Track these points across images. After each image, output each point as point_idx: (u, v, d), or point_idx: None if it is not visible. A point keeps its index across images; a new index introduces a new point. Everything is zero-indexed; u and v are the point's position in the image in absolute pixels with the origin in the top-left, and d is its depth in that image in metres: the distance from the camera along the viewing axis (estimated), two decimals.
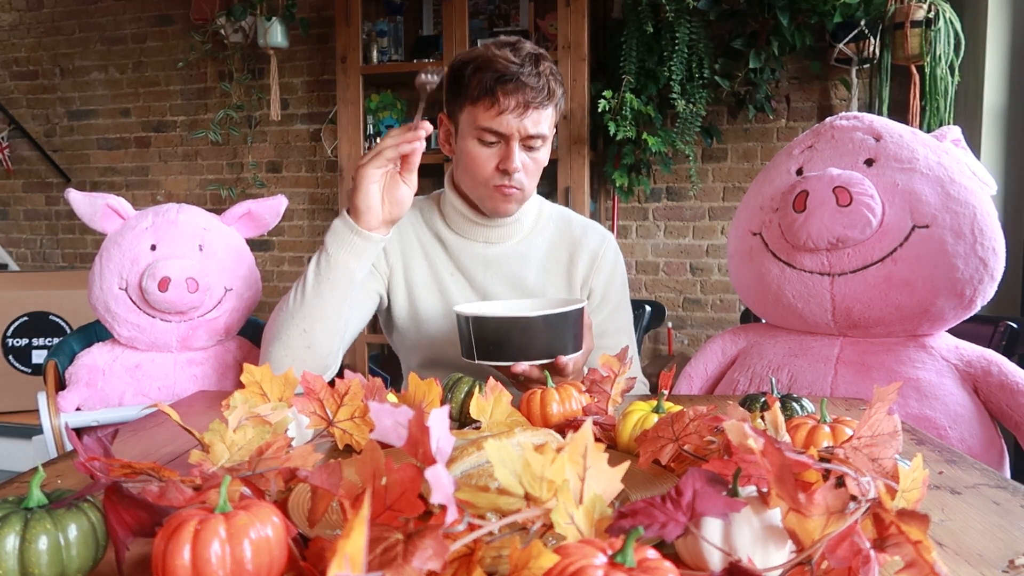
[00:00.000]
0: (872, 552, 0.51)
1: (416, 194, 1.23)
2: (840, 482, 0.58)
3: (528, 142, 1.26)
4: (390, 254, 1.38)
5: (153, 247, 1.62)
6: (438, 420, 0.52)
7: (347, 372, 0.93)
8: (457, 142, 1.32)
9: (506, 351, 1.08)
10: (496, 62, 1.21)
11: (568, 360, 1.12)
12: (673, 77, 2.76)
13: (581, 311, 1.13)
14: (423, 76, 1.17)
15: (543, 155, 1.30)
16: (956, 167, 1.29)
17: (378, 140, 1.18)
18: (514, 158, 1.25)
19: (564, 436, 0.78)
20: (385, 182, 1.18)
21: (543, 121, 1.25)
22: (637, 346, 1.61)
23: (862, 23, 2.65)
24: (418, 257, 1.39)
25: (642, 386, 1.44)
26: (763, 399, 0.95)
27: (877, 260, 1.27)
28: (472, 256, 1.38)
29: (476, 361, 1.10)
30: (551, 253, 1.41)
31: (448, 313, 1.36)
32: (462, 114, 1.28)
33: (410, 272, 1.38)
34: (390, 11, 3.29)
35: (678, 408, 0.85)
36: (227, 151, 3.72)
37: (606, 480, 0.57)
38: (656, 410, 0.88)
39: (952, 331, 1.36)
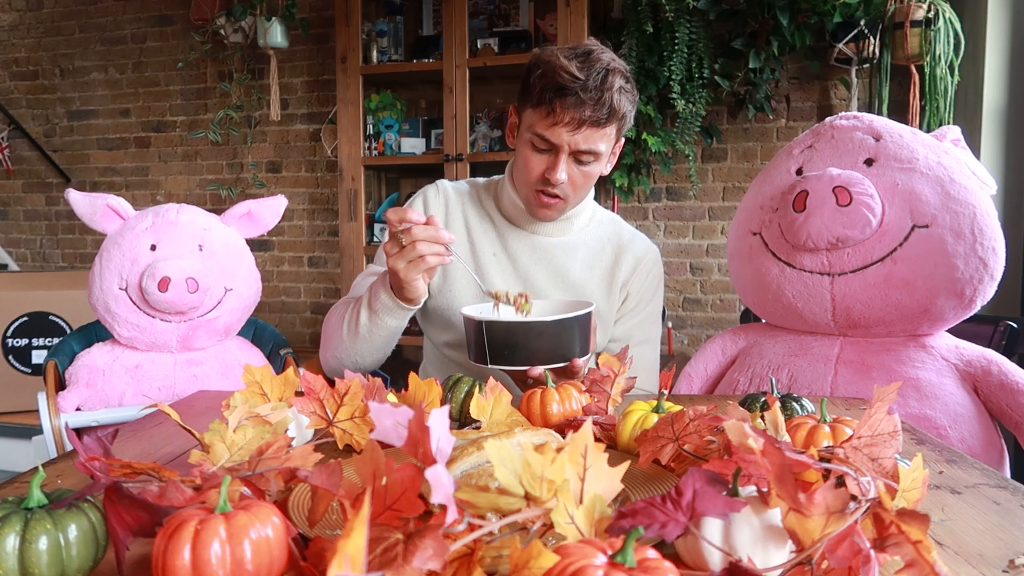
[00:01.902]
0: (872, 552, 0.51)
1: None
2: (840, 482, 0.58)
3: (579, 156, 1.26)
4: None
5: (153, 247, 1.62)
6: (438, 420, 0.52)
7: (347, 372, 0.93)
8: (517, 137, 1.34)
9: (517, 355, 1.08)
10: (559, 74, 1.19)
11: (581, 363, 1.13)
12: (673, 77, 2.76)
13: (590, 315, 1.13)
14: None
15: (594, 169, 1.30)
16: (956, 167, 1.29)
17: (403, 225, 1.10)
18: (559, 169, 1.25)
19: (564, 436, 0.78)
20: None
21: (598, 139, 1.24)
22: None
23: (862, 23, 2.65)
24: (460, 237, 1.41)
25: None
26: (763, 399, 0.95)
27: (877, 260, 1.27)
28: (520, 241, 1.40)
29: (488, 365, 1.11)
30: (598, 251, 1.43)
31: (480, 294, 1.37)
32: (524, 113, 1.29)
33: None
34: (390, 11, 3.29)
35: (678, 408, 0.85)
36: (227, 151, 3.72)
37: (606, 480, 0.57)
38: (656, 410, 0.88)
39: (952, 331, 1.36)
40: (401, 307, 1.21)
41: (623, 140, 1.35)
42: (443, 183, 1.47)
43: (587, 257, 1.41)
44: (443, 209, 1.43)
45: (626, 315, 1.43)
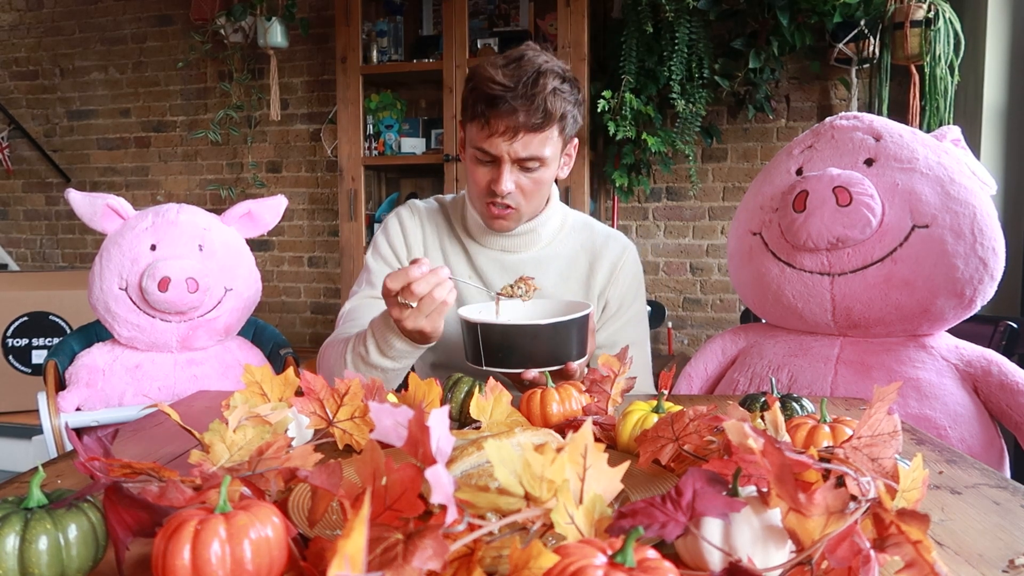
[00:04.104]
0: (872, 552, 0.51)
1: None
2: (840, 482, 0.58)
3: (522, 164, 1.23)
4: (414, 254, 1.39)
5: (153, 247, 1.62)
6: (438, 420, 0.52)
7: (347, 372, 0.93)
8: (466, 153, 1.32)
9: (513, 358, 1.07)
10: (487, 85, 1.17)
11: (577, 366, 1.12)
12: (673, 77, 2.76)
13: (587, 317, 1.12)
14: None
15: (544, 175, 1.26)
16: (956, 167, 1.29)
17: (410, 283, 1.05)
18: (503, 181, 1.23)
19: (564, 436, 0.78)
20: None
21: (538, 144, 1.21)
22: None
23: (862, 23, 2.65)
24: (439, 260, 1.39)
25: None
26: (763, 399, 0.95)
27: (877, 260, 1.27)
28: (490, 260, 1.38)
29: (483, 367, 1.10)
30: (571, 262, 1.40)
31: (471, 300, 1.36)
32: (467, 128, 1.28)
33: None
34: (390, 11, 3.29)
35: (678, 408, 0.85)
36: (227, 151, 3.72)
37: (606, 480, 0.57)
38: (656, 410, 0.88)
39: (952, 331, 1.36)
40: (423, 347, 1.17)
41: (576, 141, 1.32)
42: (415, 203, 1.45)
43: (561, 269, 1.39)
44: (420, 230, 1.41)
45: (608, 321, 1.41)
